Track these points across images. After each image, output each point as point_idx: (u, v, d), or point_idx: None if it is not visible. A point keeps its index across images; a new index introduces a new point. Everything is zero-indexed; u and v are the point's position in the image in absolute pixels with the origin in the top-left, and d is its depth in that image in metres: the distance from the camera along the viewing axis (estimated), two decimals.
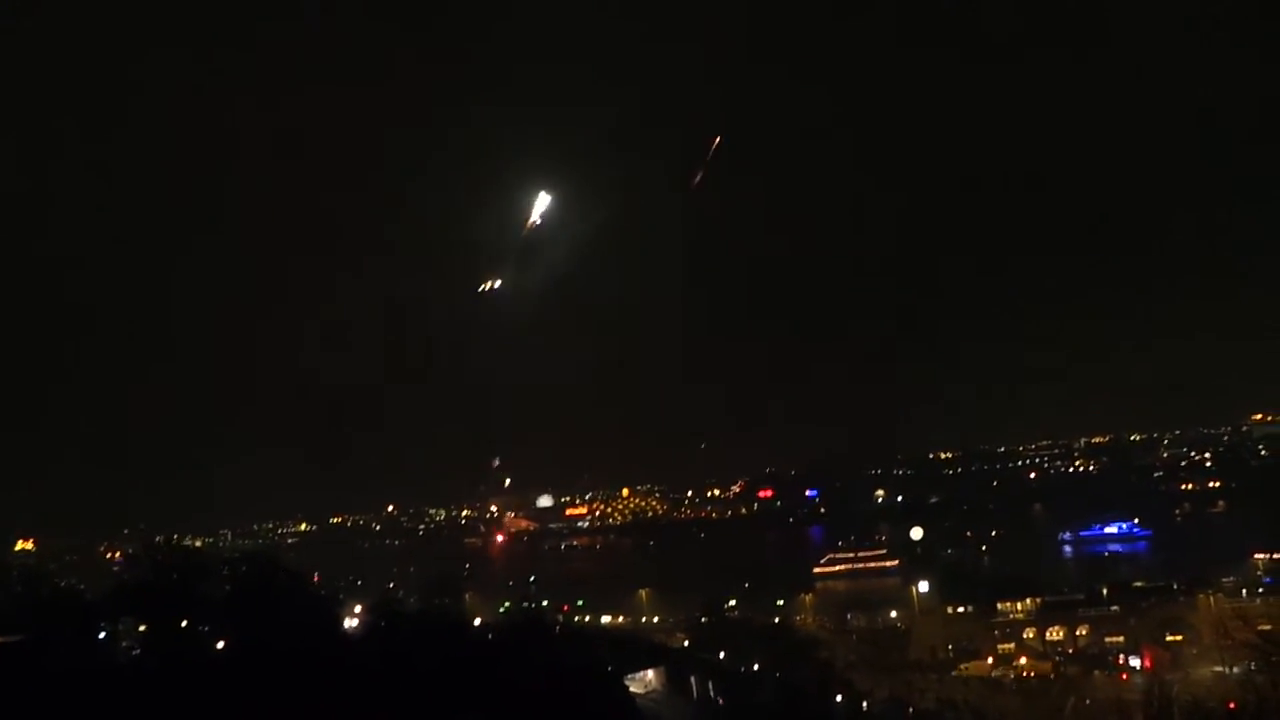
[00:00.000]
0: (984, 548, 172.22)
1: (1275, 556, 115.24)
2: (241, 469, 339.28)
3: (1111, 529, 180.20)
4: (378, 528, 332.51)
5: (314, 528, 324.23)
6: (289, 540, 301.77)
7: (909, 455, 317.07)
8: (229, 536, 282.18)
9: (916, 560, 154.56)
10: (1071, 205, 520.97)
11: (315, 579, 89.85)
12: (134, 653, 52.24)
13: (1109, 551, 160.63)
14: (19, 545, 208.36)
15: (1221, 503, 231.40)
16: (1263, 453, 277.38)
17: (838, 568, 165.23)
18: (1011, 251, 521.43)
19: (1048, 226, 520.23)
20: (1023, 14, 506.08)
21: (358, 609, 78.60)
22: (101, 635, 53.61)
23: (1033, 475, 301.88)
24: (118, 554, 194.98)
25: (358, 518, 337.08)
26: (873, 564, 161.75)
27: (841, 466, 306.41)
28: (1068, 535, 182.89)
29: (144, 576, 64.35)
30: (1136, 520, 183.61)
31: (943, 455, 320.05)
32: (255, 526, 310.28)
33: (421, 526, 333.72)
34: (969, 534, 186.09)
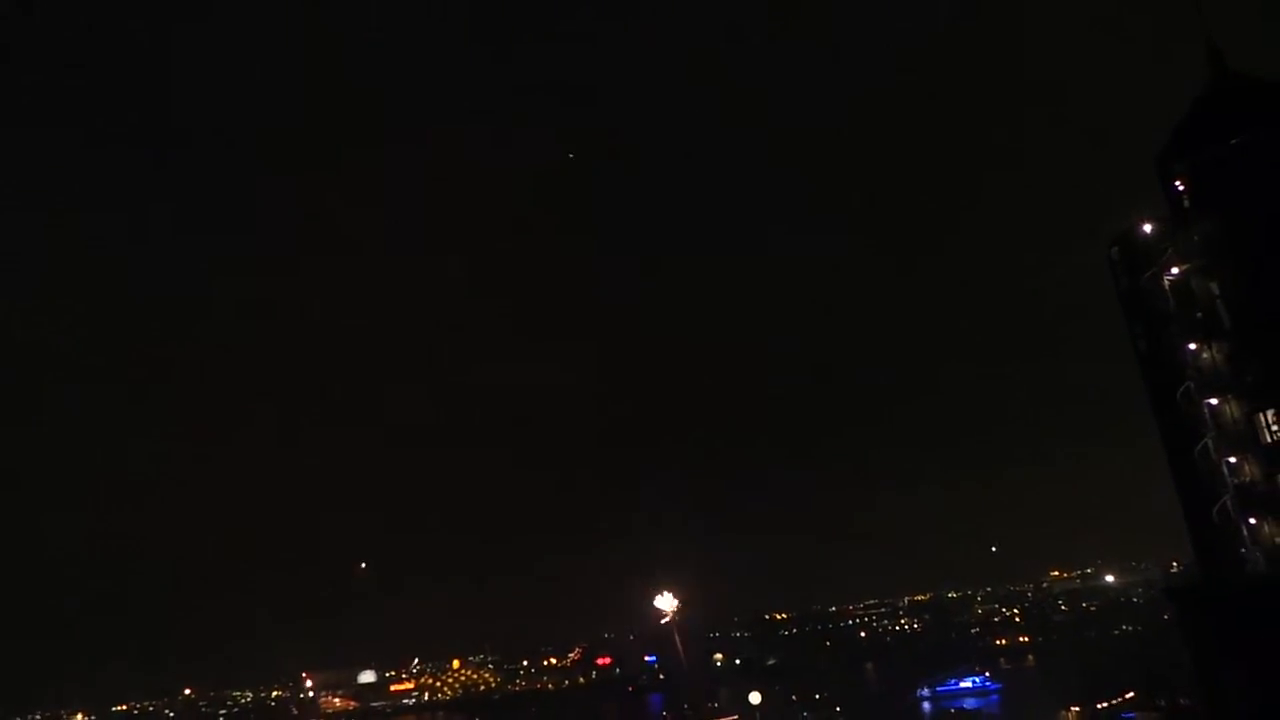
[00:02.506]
0: (837, 709, 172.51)
1: (1083, 709, 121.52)
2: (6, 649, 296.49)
3: (966, 683, 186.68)
4: (172, 715, 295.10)
5: (93, 719, 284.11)
6: None
7: (745, 617, 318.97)
8: None
9: None
10: (876, 372, 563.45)
11: None
12: None
13: (955, 708, 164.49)
14: None
15: (1030, 657, 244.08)
16: (1063, 607, 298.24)
17: None
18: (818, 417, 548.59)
19: (852, 391, 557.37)
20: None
21: None
22: None
23: (863, 634, 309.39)
24: None
25: (148, 704, 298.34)
26: None
27: (680, 630, 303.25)
28: (925, 691, 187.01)
29: None
30: (987, 674, 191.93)
31: (778, 616, 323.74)
32: None
33: (223, 712, 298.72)
34: (817, 696, 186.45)
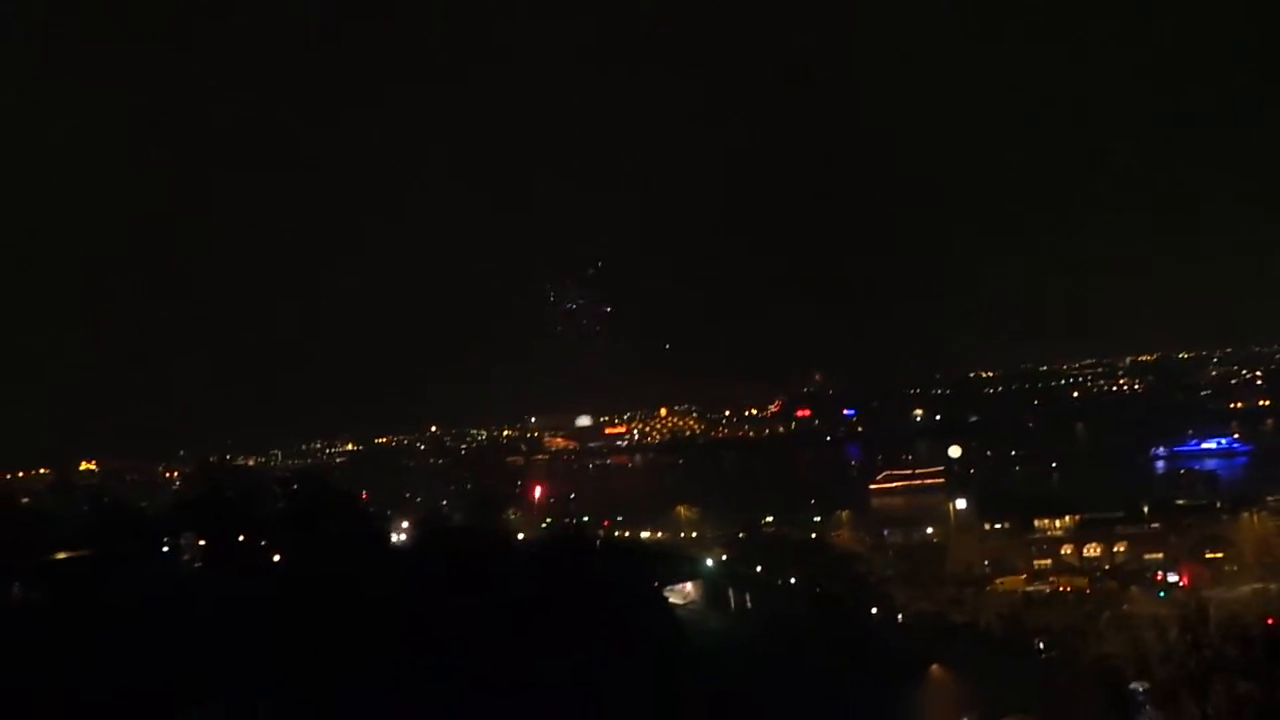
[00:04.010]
0: (1053, 465, 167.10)
1: None
2: (289, 389, 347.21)
3: (1209, 444, 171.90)
4: (422, 447, 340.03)
5: (360, 447, 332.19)
6: (337, 460, 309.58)
7: (948, 375, 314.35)
8: (279, 456, 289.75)
9: (965, 480, 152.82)
10: (1118, 118, 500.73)
11: (364, 496, 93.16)
12: (195, 565, 55.04)
13: (1191, 468, 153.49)
14: (83, 466, 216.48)
15: (1270, 421, 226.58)
16: None
17: (894, 484, 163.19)
18: (1053, 167, 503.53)
19: (1091, 140, 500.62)
20: None
21: (405, 524, 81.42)
22: (164, 550, 56.43)
23: (1076, 394, 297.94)
24: (176, 474, 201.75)
25: (402, 438, 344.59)
26: (929, 481, 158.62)
27: (880, 386, 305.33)
28: (1161, 450, 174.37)
29: (202, 494, 67.09)
30: (1236, 436, 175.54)
31: (983, 375, 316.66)
32: (304, 446, 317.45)
33: (464, 446, 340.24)
34: (1014, 452, 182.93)
